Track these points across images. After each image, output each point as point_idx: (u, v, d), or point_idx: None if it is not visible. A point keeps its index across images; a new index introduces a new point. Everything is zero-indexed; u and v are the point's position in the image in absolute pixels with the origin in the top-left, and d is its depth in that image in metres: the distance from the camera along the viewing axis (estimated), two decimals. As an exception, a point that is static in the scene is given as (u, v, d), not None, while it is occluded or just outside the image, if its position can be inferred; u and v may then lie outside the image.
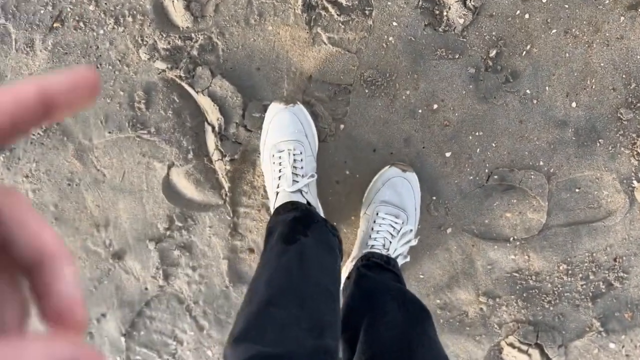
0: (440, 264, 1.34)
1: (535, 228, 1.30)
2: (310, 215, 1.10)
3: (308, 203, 1.17)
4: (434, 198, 1.30)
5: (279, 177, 1.19)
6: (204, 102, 1.27)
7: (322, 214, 1.24)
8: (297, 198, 1.15)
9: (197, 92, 1.27)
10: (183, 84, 1.27)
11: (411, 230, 1.23)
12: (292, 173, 1.17)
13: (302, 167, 1.19)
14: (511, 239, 1.31)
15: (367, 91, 1.24)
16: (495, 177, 1.27)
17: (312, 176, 1.19)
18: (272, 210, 1.20)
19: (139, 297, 1.42)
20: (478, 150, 1.26)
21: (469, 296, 1.35)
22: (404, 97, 1.24)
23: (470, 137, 1.25)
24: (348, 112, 1.26)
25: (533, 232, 1.30)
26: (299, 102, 1.22)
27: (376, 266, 1.17)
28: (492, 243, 1.31)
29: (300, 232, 1.04)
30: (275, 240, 1.04)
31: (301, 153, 1.20)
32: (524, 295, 1.33)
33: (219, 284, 1.40)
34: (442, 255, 1.34)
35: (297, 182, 1.16)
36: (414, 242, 1.24)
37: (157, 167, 1.33)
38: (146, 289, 1.42)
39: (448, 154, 1.27)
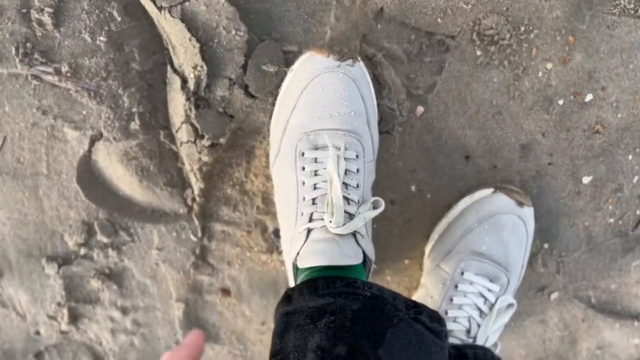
0: (527, 341, 0.86)
1: (684, 306, 0.83)
2: (382, 305, 0.55)
3: (365, 259, 0.62)
4: (546, 246, 0.79)
5: (313, 201, 0.62)
6: (172, 29, 0.66)
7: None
8: (349, 249, 0.60)
9: (161, 9, 0.65)
10: (133, -13, 0.65)
11: (511, 305, 0.72)
12: (344, 197, 0.61)
13: (357, 185, 0.63)
14: (642, 316, 0.84)
15: (479, 53, 0.68)
16: (649, 223, 0.77)
17: (377, 207, 0.62)
18: (289, 279, 0.64)
19: (24, 344, 0.84)
20: (636, 179, 0.75)
21: (557, 389, 0.88)
22: (540, 74, 0.69)
23: (630, 157, 0.74)
24: (437, 87, 0.69)
25: (679, 311, 0.83)
26: (359, 59, 0.64)
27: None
28: (613, 320, 0.84)
29: (366, 356, 0.49)
30: None
31: (357, 157, 0.64)
32: (637, 395, 0.88)
33: (166, 337, 0.84)
34: (534, 329, 0.85)
35: (352, 215, 0.61)
36: (506, 320, 0.74)
37: (69, 138, 0.72)
38: (37, 333, 0.84)
39: (587, 180, 0.75)
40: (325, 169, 0.63)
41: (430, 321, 0.57)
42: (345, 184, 0.63)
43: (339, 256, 0.60)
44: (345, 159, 0.63)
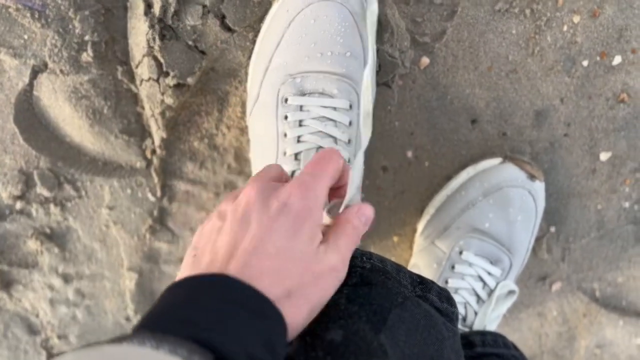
0: (522, 335, 0.77)
1: (696, 304, 0.75)
2: (384, 279, 0.44)
3: None
4: (552, 229, 0.70)
5: (296, 157, 0.52)
6: (137, -60, 0.55)
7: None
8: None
9: None
10: None
11: (512, 292, 0.64)
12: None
13: (349, 141, 0.53)
14: (649, 313, 0.76)
15: (497, -2, 0.58)
16: (667, 210, 0.69)
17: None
18: None
19: (-53, 312, 0.72)
20: (658, 158, 0.67)
21: (549, 389, 0.80)
22: (565, 28, 0.59)
23: (655, 133, 0.65)
24: (446, 35, 0.59)
25: (689, 310, 0.75)
26: None
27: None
28: (617, 316, 0.76)
29: (374, 347, 0.39)
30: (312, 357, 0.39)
31: (351, 107, 0.53)
32: (635, 400, 0.81)
33: (114, 311, 0.73)
34: (530, 322, 0.76)
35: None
36: (505, 309, 0.65)
37: (7, 67, 0.60)
38: (-37, 299, 0.72)
39: (604, 156, 0.66)
40: (312, 118, 0.53)
41: (439, 301, 0.47)
42: (334, 138, 0.53)
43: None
44: (335, 108, 0.53)
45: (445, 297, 0.48)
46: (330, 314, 0.41)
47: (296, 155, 0.53)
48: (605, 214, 0.69)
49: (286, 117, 0.53)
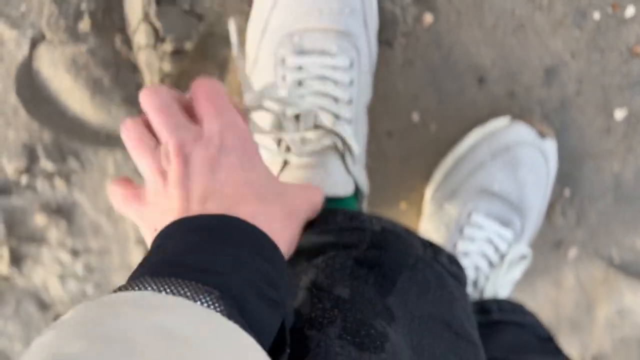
0: (537, 303, 0.75)
1: None
2: (395, 242, 0.43)
3: (356, 192, 0.51)
4: (567, 193, 0.68)
5: (297, 118, 0.50)
6: None
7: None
8: (338, 176, 0.49)
9: None
10: None
11: (525, 257, 0.62)
12: (333, 114, 0.50)
13: (350, 101, 0.52)
14: (671, 280, 0.73)
15: (502, -51, 0.56)
16: (688, 170, 0.66)
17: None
18: None
19: (-40, 289, 0.73)
20: (676, 115, 0.64)
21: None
22: (574, -22, 0.57)
23: (672, 88, 0.62)
24: (449, -10, 0.57)
25: None
26: None
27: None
28: (637, 282, 0.73)
29: (379, 310, 0.38)
30: (319, 322, 0.38)
31: (352, 65, 0.52)
32: (658, 370, 0.78)
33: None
34: (546, 290, 0.74)
35: (344, 139, 0.49)
36: (519, 275, 0.63)
37: (5, 39, 0.60)
38: (-25, 276, 0.73)
39: (620, 114, 0.63)
40: (312, 79, 0.52)
41: (450, 263, 0.46)
42: (334, 98, 0.52)
43: (328, 185, 0.49)
44: (335, 67, 0.52)
45: (454, 261, 0.47)
46: (337, 276, 0.40)
47: (297, 117, 0.51)
48: (622, 175, 0.67)
49: (284, 78, 0.52)
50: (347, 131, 0.49)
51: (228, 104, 0.40)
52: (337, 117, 0.50)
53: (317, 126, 0.49)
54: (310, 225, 0.44)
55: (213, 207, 0.35)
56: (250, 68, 0.56)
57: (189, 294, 0.28)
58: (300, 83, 0.52)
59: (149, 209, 0.38)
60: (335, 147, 0.50)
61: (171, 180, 0.36)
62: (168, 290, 0.28)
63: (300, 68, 0.52)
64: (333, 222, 0.43)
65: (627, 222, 0.70)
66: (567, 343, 0.77)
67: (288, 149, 0.50)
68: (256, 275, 0.32)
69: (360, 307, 0.38)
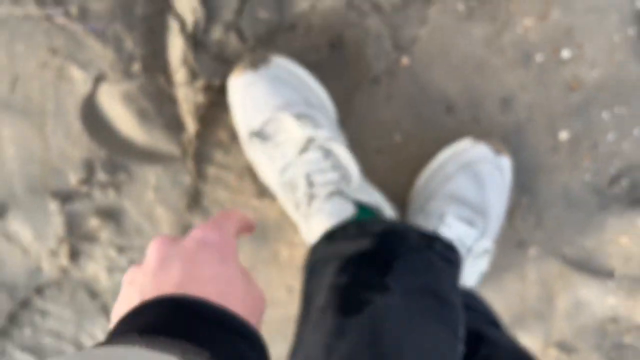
0: (506, 296, 0.89)
1: (659, 266, 0.85)
2: (392, 237, 0.59)
3: (370, 209, 0.68)
4: (524, 200, 0.82)
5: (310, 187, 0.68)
6: (174, -25, 0.71)
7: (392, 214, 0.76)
8: (347, 208, 0.66)
9: (163, -45, 0.70)
10: None
11: (487, 251, 0.76)
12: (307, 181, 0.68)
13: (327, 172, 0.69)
14: (618, 275, 0.86)
15: (462, 7, 0.72)
16: (624, 182, 0.80)
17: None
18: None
19: (27, 279, 0.89)
20: (610, 136, 0.78)
21: (535, 344, 0.91)
22: (519, 29, 0.72)
23: (604, 115, 0.77)
24: (421, 39, 0.73)
25: (654, 271, 0.86)
26: (273, 57, 0.70)
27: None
28: (588, 277, 0.86)
29: (372, 284, 0.54)
30: (321, 306, 0.54)
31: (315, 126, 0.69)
32: (613, 355, 0.91)
33: (159, 277, 0.88)
34: (512, 285, 0.88)
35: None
36: (485, 268, 0.78)
37: (75, 78, 0.77)
38: (39, 268, 0.88)
39: (564, 136, 0.78)
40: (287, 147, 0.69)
41: (445, 249, 0.61)
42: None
43: (336, 215, 0.66)
44: (300, 124, 0.68)
45: (449, 246, 0.62)
46: (342, 269, 0.56)
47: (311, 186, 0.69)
48: (569, 186, 0.81)
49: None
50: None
51: (226, 224, 0.41)
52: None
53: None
54: (330, 236, 0.60)
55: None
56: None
57: (179, 352, 0.26)
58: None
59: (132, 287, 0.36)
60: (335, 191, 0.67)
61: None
62: (157, 348, 0.26)
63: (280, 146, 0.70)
64: (346, 233, 0.61)
65: (576, 225, 0.83)
66: (532, 331, 0.90)
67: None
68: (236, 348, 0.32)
69: (356, 289, 0.54)
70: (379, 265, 0.56)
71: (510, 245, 0.85)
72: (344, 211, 0.67)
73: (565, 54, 0.74)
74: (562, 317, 0.89)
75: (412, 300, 0.55)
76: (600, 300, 0.88)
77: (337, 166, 0.69)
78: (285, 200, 0.71)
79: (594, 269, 0.87)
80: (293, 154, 0.68)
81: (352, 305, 0.54)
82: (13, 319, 0.91)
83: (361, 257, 0.57)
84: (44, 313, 0.91)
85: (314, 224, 0.66)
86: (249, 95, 0.70)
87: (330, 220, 0.66)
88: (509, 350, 0.62)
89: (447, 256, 0.61)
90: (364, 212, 0.69)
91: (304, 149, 0.67)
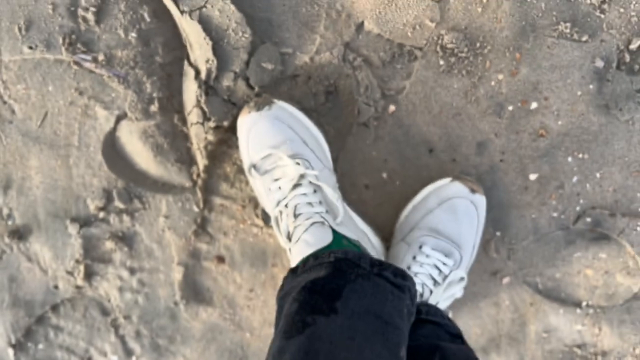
0: (482, 321, 0.97)
1: (620, 296, 0.94)
2: (343, 266, 0.67)
3: (354, 243, 0.76)
4: (498, 234, 0.91)
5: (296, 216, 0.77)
6: (190, 29, 0.81)
7: (376, 249, 0.84)
8: (325, 237, 0.74)
9: (183, 13, 0.80)
10: (162, -6, 0.80)
11: (462, 279, 0.84)
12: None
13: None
14: (584, 304, 0.95)
15: (442, 63, 0.82)
16: (588, 219, 0.89)
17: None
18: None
19: (44, 296, 0.97)
20: (575, 178, 0.88)
21: (508, 368, 0.99)
22: (493, 83, 0.83)
23: (570, 159, 0.87)
24: (406, 89, 0.83)
25: (616, 301, 0.94)
26: (275, 101, 0.80)
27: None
28: (558, 305, 0.95)
29: (319, 308, 0.61)
30: (277, 330, 0.63)
31: (308, 167, 0.78)
32: (581, 378, 0.99)
33: (166, 297, 0.96)
34: (488, 310, 0.96)
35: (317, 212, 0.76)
36: (459, 294, 0.86)
37: (99, 116, 0.86)
38: (56, 287, 0.96)
39: (533, 177, 0.88)
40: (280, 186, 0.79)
41: (394, 276, 0.68)
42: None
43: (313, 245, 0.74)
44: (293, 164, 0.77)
45: (399, 274, 0.69)
46: (294, 298, 0.63)
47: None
48: (538, 222, 0.90)
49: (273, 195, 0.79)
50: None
51: None
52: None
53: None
54: (294, 271, 0.68)
55: None
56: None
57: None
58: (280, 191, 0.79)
59: None
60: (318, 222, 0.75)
61: None
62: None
63: (279, 188, 0.79)
64: (306, 265, 0.69)
65: (546, 257, 0.92)
66: (506, 353, 0.98)
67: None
68: None
69: (308, 310, 0.61)
70: (329, 291, 0.62)
71: (486, 274, 0.94)
72: (322, 240, 0.74)
73: (534, 105, 0.84)
74: (534, 342, 0.97)
75: (356, 322, 0.60)
76: (568, 327, 0.96)
77: (325, 202, 0.78)
78: (276, 230, 0.79)
79: (562, 298, 0.95)
80: (288, 189, 0.76)
81: (295, 327, 0.60)
82: (28, 334, 0.99)
83: (313, 284, 0.64)
84: (57, 328, 0.98)
85: (295, 253, 0.74)
86: (252, 132, 0.80)
87: (308, 250, 0.73)
88: (462, 358, 0.70)
89: (396, 282, 0.67)
90: (349, 244, 0.77)
91: (297, 184, 0.76)
